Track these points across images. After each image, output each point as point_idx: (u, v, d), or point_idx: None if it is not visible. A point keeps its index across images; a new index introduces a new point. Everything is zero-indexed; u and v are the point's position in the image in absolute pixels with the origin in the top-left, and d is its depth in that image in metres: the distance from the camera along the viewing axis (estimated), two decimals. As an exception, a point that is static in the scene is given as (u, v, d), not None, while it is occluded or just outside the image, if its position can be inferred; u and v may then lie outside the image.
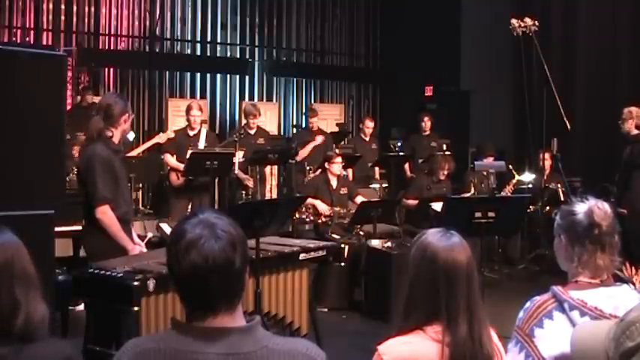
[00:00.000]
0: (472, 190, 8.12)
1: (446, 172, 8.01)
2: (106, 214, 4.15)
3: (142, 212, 9.01)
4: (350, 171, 8.96)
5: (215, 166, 6.90)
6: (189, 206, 7.26)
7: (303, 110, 12.24)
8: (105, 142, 4.23)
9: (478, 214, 5.09)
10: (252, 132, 8.39)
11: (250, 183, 8.01)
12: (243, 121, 8.80)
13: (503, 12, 9.72)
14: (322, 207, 7.15)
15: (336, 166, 7.40)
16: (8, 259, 1.80)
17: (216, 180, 8.02)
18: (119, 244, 4.17)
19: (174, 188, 7.37)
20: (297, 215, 6.92)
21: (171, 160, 7.38)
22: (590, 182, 7.83)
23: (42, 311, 1.83)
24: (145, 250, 4.47)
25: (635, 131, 6.92)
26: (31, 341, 1.77)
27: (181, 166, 7.14)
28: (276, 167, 9.56)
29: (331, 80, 13.13)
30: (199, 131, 7.48)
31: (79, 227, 4.66)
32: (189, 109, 7.43)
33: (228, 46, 12.10)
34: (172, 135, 7.26)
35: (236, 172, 7.74)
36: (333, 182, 7.40)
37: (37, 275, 1.86)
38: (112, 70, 10.95)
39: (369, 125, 9.77)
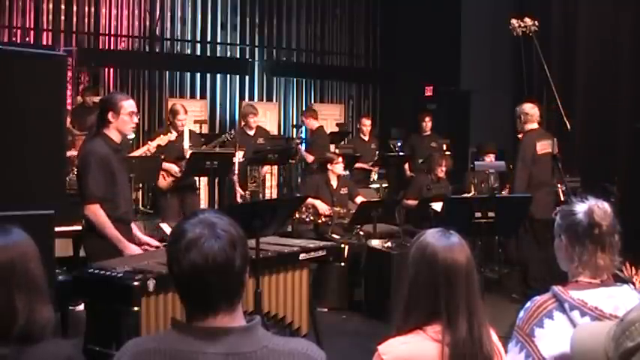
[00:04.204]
0: (472, 191, 8.12)
1: (444, 169, 8.02)
2: (94, 213, 4.11)
3: (142, 212, 9.01)
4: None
5: (215, 166, 6.90)
6: (180, 207, 7.22)
7: (303, 110, 12.26)
8: (104, 139, 4.21)
9: (478, 214, 5.09)
10: (251, 133, 8.37)
11: (244, 193, 8.02)
12: (242, 123, 8.76)
13: (503, 12, 9.71)
14: (322, 207, 7.15)
15: (339, 167, 7.42)
16: (8, 262, 1.78)
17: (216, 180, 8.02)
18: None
19: (163, 190, 7.31)
20: (297, 215, 6.93)
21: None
22: (590, 182, 7.82)
23: (46, 314, 1.81)
24: (155, 243, 4.44)
25: (527, 127, 6.81)
26: (33, 343, 1.76)
27: (172, 167, 7.11)
28: (276, 167, 9.57)
29: (331, 80, 13.12)
30: (182, 130, 7.41)
31: (79, 227, 4.65)
32: (175, 113, 7.22)
33: (228, 46, 12.10)
34: (174, 137, 7.17)
35: (234, 177, 7.76)
36: (334, 182, 7.41)
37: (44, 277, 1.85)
38: (112, 70, 10.95)
39: (367, 124, 9.80)
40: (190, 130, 7.71)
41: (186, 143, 7.31)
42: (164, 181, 7.17)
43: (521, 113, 6.90)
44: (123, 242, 4.18)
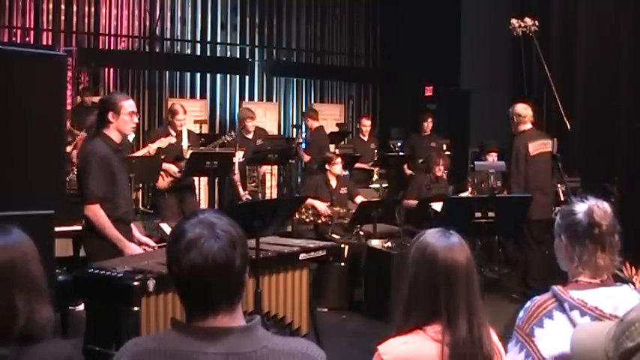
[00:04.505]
0: (469, 190, 8.12)
1: (442, 168, 8.01)
2: (94, 213, 4.12)
3: (142, 212, 9.01)
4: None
5: (215, 166, 6.89)
6: (179, 207, 7.21)
7: (303, 110, 12.26)
8: (104, 139, 4.22)
9: (478, 214, 5.09)
10: (249, 136, 8.35)
11: (244, 192, 8.02)
12: (240, 126, 8.73)
13: (503, 12, 9.72)
14: (321, 207, 7.14)
15: (337, 167, 7.41)
16: (8, 262, 1.77)
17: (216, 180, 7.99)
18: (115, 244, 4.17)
19: (162, 190, 7.30)
20: (297, 216, 6.92)
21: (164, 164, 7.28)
22: (590, 182, 7.83)
23: (46, 315, 1.81)
24: (153, 244, 4.45)
25: (520, 128, 6.79)
26: (33, 343, 1.76)
27: (171, 167, 7.10)
28: (276, 167, 9.56)
29: (331, 80, 13.13)
30: (181, 131, 7.41)
31: (79, 227, 4.65)
32: (174, 112, 7.20)
33: (228, 46, 12.11)
34: (174, 140, 7.16)
35: (236, 177, 7.75)
36: (333, 182, 7.41)
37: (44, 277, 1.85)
38: (112, 70, 10.96)
39: (366, 124, 9.80)
40: (189, 131, 7.71)
41: (185, 143, 7.30)
42: (163, 182, 7.17)
43: (513, 115, 6.83)
44: (123, 242, 4.18)
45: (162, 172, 7.11)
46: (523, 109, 6.84)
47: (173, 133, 7.19)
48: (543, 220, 6.40)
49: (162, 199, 7.31)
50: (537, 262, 6.64)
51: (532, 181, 6.70)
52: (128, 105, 4.26)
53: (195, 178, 7.81)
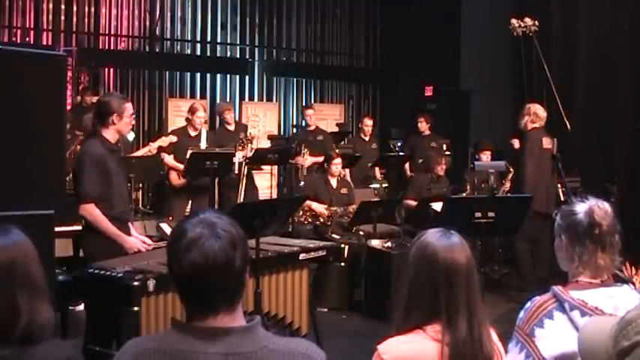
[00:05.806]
0: (468, 190, 8.12)
1: (443, 167, 8.00)
2: (90, 212, 4.15)
3: (142, 212, 9.01)
4: (347, 171, 8.96)
5: (215, 166, 6.90)
6: (190, 206, 7.23)
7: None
8: (100, 140, 4.24)
9: (478, 214, 5.10)
10: (231, 128, 8.34)
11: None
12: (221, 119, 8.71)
13: (503, 12, 9.72)
14: (319, 209, 7.12)
15: (335, 167, 7.39)
16: (9, 262, 1.77)
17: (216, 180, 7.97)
18: (114, 241, 4.17)
19: (175, 188, 7.33)
20: (295, 220, 6.93)
21: (169, 159, 7.30)
22: (590, 182, 7.83)
23: (46, 315, 1.81)
24: (150, 242, 4.46)
25: (530, 126, 7.00)
26: (33, 343, 1.76)
27: (181, 166, 7.11)
28: (276, 167, 9.55)
29: (331, 80, 13.13)
30: (200, 132, 7.44)
31: (79, 227, 4.66)
32: (194, 110, 7.28)
33: (228, 46, 12.10)
34: (175, 139, 7.16)
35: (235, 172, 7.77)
36: (333, 182, 7.39)
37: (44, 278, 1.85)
38: (112, 70, 10.95)
39: (368, 124, 9.75)
40: (208, 132, 7.74)
41: (203, 144, 7.32)
42: (178, 180, 7.18)
43: (532, 113, 6.99)
44: (121, 236, 4.22)
45: (176, 172, 7.16)
46: (542, 112, 7.07)
47: (192, 133, 7.26)
48: (541, 212, 6.50)
49: (177, 197, 7.33)
50: (526, 254, 6.77)
51: (538, 177, 6.84)
52: (130, 107, 4.36)
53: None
